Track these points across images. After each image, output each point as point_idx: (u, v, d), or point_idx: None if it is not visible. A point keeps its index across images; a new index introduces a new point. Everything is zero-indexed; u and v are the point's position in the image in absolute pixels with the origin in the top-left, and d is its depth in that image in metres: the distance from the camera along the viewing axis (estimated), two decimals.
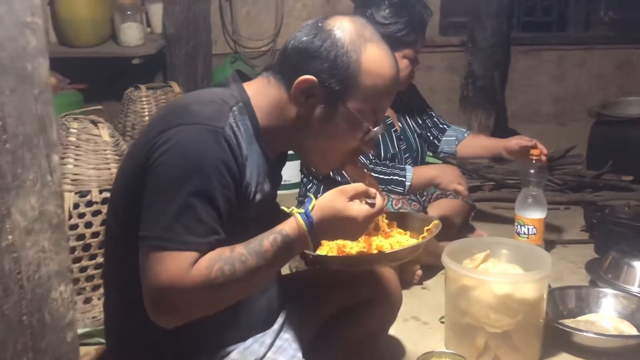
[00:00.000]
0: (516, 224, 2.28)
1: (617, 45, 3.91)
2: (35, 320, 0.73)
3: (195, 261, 1.02)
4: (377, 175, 2.10)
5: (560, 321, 1.76)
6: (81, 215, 1.85)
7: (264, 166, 1.18)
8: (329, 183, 2.02)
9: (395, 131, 2.27)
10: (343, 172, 2.01)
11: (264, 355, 1.23)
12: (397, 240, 1.35)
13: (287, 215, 1.13)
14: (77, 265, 1.85)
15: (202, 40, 3.45)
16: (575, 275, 2.24)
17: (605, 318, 1.80)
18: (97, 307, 1.86)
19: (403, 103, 2.35)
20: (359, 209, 1.12)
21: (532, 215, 2.25)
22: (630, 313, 1.80)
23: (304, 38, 1.16)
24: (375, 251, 1.30)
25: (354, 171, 1.29)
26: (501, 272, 1.66)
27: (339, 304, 1.44)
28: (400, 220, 1.42)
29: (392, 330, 1.65)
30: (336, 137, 1.18)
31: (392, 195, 2.10)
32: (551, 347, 1.71)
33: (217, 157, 1.05)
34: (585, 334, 1.68)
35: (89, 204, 1.86)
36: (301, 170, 2.34)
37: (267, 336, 1.26)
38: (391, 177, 2.11)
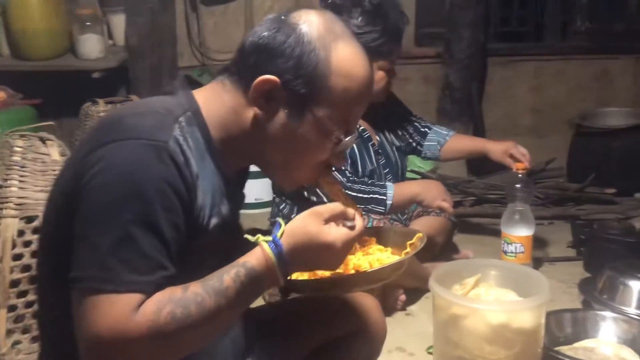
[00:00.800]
0: (503, 242, 2.15)
1: (595, 56, 3.86)
2: None
3: (140, 305, 0.84)
4: (355, 193, 1.95)
5: (557, 349, 1.62)
6: (27, 244, 1.66)
7: (220, 185, 1.01)
8: (304, 203, 1.85)
9: (373, 145, 2.12)
10: (318, 191, 1.85)
11: None
12: (377, 257, 1.17)
13: (253, 245, 0.96)
14: (22, 300, 1.65)
15: (167, 53, 3.28)
16: (567, 295, 2.11)
17: (604, 344, 1.67)
18: None
19: (380, 115, 2.21)
20: (336, 233, 0.96)
21: (519, 233, 2.13)
22: (631, 338, 1.68)
23: (265, 33, 0.99)
24: (352, 271, 1.12)
25: (327, 188, 1.12)
26: (495, 299, 1.51)
27: (316, 341, 1.28)
28: (379, 235, 1.26)
29: None
30: (302, 148, 1.02)
31: (372, 215, 1.95)
32: None
33: (160, 177, 0.88)
34: None
35: (36, 230, 1.66)
36: (273, 188, 2.17)
37: None
38: (371, 195, 1.96)
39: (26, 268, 1.66)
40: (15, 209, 1.66)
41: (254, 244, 0.96)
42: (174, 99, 1.00)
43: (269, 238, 0.95)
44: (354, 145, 2.05)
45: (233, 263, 0.92)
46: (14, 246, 1.64)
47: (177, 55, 3.37)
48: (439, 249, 2.29)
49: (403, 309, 2.02)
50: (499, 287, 1.59)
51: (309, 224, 0.95)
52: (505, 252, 2.14)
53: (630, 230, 2.25)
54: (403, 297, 2.01)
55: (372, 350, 1.36)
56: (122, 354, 0.84)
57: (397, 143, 2.23)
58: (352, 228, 0.99)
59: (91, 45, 3.05)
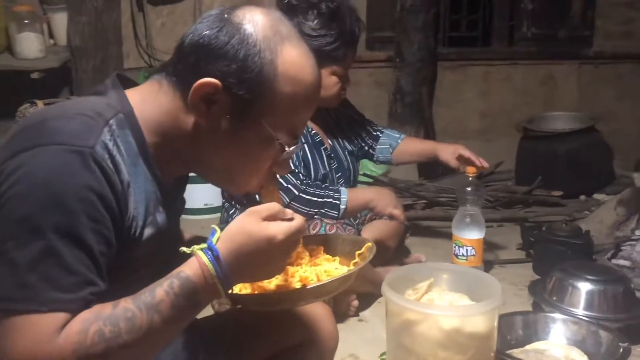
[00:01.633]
0: (454, 245, 2.15)
1: (540, 61, 3.95)
2: None
3: (65, 325, 0.77)
4: (309, 197, 1.91)
5: (509, 352, 1.63)
6: None
7: (155, 192, 0.94)
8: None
9: (326, 149, 2.09)
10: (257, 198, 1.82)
11: None
12: (325, 269, 1.12)
13: (191, 256, 0.89)
14: None
15: (112, 53, 3.18)
16: (517, 297, 2.13)
17: (554, 346, 1.68)
18: None
19: (332, 119, 2.18)
20: (276, 226, 0.89)
21: (470, 236, 2.13)
22: (580, 339, 1.69)
23: (206, 32, 0.91)
24: (298, 284, 1.06)
25: (268, 197, 1.05)
26: (448, 304, 1.50)
27: (266, 352, 1.23)
28: (327, 244, 1.21)
29: None
30: (245, 155, 0.96)
31: (325, 220, 1.92)
32: None
33: (85, 186, 0.81)
34: None
35: None
36: (222, 194, 2.11)
37: None
38: (325, 199, 1.93)
39: None
40: None
41: (190, 256, 0.89)
42: (105, 99, 0.93)
43: (204, 245, 0.88)
44: (306, 149, 2.01)
45: (168, 275, 0.86)
46: None
47: (123, 56, 3.26)
48: (391, 253, 2.28)
49: (355, 314, 1.99)
50: (451, 291, 1.58)
51: (246, 223, 0.89)
52: (457, 255, 2.14)
53: (577, 232, 2.29)
54: (355, 302, 1.98)
55: (323, 358, 1.31)
56: None
57: (350, 147, 2.20)
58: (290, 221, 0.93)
59: (30, 45, 2.92)
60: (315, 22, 1.91)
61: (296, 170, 1.94)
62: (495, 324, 1.48)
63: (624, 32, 4.00)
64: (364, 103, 3.67)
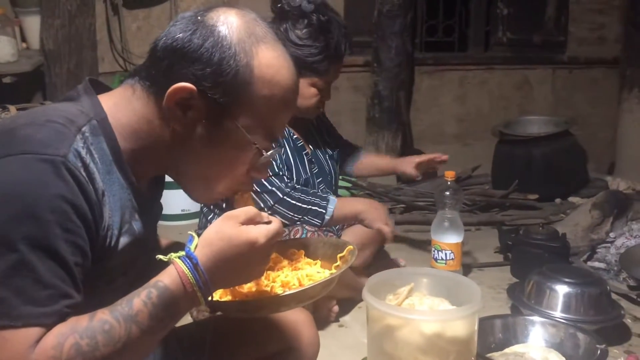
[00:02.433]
0: (433, 249, 2.16)
1: (516, 66, 4.00)
2: None
3: (39, 340, 0.75)
4: (294, 202, 1.89)
5: (489, 355, 1.63)
6: None
7: (131, 200, 0.92)
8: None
9: (307, 154, 2.08)
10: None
11: None
12: (307, 273, 1.10)
13: (168, 264, 0.87)
14: None
15: (87, 58, 3.11)
16: (496, 301, 2.14)
17: (533, 349, 1.69)
18: None
19: (313, 124, 2.17)
20: (256, 229, 0.88)
21: (449, 240, 2.14)
22: (558, 342, 1.71)
23: (180, 35, 0.89)
24: (280, 289, 1.05)
25: (241, 203, 1.01)
26: (429, 309, 1.50)
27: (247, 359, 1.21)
28: (308, 247, 1.19)
29: None
30: (221, 161, 0.94)
31: (306, 227, 1.90)
32: None
33: (58, 195, 0.78)
34: None
35: None
36: None
37: None
38: (310, 206, 1.91)
39: None
40: None
41: (168, 263, 0.86)
42: (77, 105, 0.90)
43: (182, 253, 0.86)
44: (289, 153, 2.00)
45: (145, 284, 0.84)
46: None
47: (98, 60, 3.21)
48: (371, 258, 2.27)
49: (336, 320, 1.98)
50: (431, 295, 1.58)
51: (225, 228, 0.87)
52: (436, 259, 2.15)
53: (554, 235, 2.31)
54: (336, 308, 1.97)
55: None
56: None
57: (330, 152, 2.19)
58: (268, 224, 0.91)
59: (1, 48, 2.87)
60: (304, 31, 1.90)
61: (280, 173, 1.93)
62: (476, 327, 1.48)
63: (597, 37, 4.08)
64: (342, 108, 3.68)
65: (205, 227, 1.99)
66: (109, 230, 0.86)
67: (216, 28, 0.89)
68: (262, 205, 1.90)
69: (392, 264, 2.38)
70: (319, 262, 1.16)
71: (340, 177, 2.42)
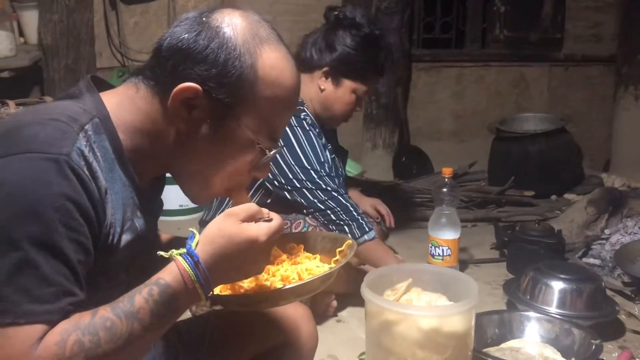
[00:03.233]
0: (430, 245, 2.17)
1: (512, 63, 4.01)
2: None
3: (42, 337, 0.76)
4: (347, 203, 1.96)
5: (485, 350, 1.65)
6: None
7: (133, 197, 0.93)
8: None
9: (334, 159, 2.14)
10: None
11: None
12: (306, 267, 1.11)
13: (169, 261, 0.88)
14: None
15: (85, 53, 3.12)
16: (492, 297, 2.16)
17: (529, 344, 1.71)
18: None
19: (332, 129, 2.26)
20: (257, 227, 0.89)
21: (446, 236, 2.15)
22: (554, 337, 1.72)
23: (185, 35, 0.90)
24: (279, 283, 1.06)
25: (240, 201, 1.02)
26: (427, 304, 1.51)
27: (245, 354, 1.22)
28: (307, 241, 1.20)
29: None
30: (224, 160, 0.95)
31: (308, 220, 1.92)
32: None
33: (61, 194, 0.79)
34: None
35: None
36: None
37: None
38: (359, 217, 1.97)
39: None
40: None
41: (169, 260, 0.87)
42: (80, 103, 0.90)
43: (183, 250, 0.87)
44: (327, 154, 2.07)
45: (147, 281, 0.84)
46: None
47: (95, 55, 3.21)
48: None
49: (334, 315, 2.00)
50: (429, 291, 1.59)
51: (226, 226, 0.88)
52: (433, 255, 2.16)
53: (550, 232, 2.33)
54: (334, 303, 1.99)
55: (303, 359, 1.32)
56: None
57: (341, 154, 2.26)
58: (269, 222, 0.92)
59: None
60: (356, 39, 2.03)
61: (332, 174, 2.02)
62: (473, 323, 1.50)
63: (593, 35, 4.09)
64: None
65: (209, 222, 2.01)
66: (112, 228, 0.87)
67: (221, 29, 0.90)
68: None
69: None
70: (318, 256, 1.17)
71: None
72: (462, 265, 2.35)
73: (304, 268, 1.11)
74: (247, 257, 0.89)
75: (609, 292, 2.04)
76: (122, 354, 0.81)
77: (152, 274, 0.86)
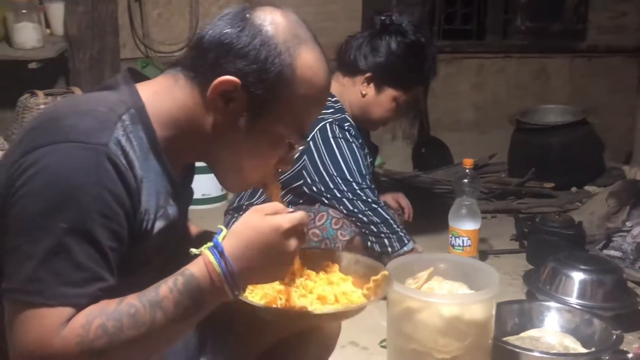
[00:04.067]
0: (450, 235, 2.20)
1: (534, 54, 3.98)
2: None
3: (70, 319, 0.79)
4: (387, 216, 2.00)
5: (505, 339, 1.67)
6: None
7: (166, 186, 0.96)
8: None
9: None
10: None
11: None
12: (342, 291, 1.12)
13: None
14: None
15: (109, 44, 3.17)
16: (512, 287, 2.17)
17: (549, 333, 1.73)
18: None
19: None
20: (280, 217, 0.91)
21: (466, 227, 2.17)
22: (574, 327, 1.74)
23: (228, 30, 0.94)
24: (317, 302, 1.09)
25: (272, 191, 1.08)
26: (448, 293, 1.54)
27: (272, 339, 1.25)
28: (341, 262, 1.21)
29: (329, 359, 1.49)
30: (255, 151, 0.99)
31: (331, 213, 1.95)
32: None
33: (98, 183, 0.82)
34: (533, 353, 1.59)
35: None
36: None
37: None
38: (399, 230, 2.03)
39: None
40: None
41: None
42: (117, 94, 0.94)
43: (210, 244, 0.89)
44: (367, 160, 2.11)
45: (175, 273, 0.87)
46: None
47: (119, 46, 3.26)
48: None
49: None
50: (450, 280, 1.62)
51: (251, 219, 0.91)
52: (453, 246, 2.18)
53: (570, 223, 2.34)
54: None
55: (327, 347, 1.34)
56: None
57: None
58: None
59: (27, 34, 2.90)
60: (400, 46, 2.04)
61: (372, 186, 2.05)
62: (494, 311, 1.53)
63: (617, 26, 4.04)
64: None
65: (238, 210, 2.05)
66: (146, 215, 0.91)
67: (264, 27, 0.94)
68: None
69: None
70: (350, 278, 1.17)
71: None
72: (482, 256, 2.36)
73: (340, 291, 1.12)
74: (272, 246, 0.90)
75: (629, 284, 2.05)
76: (144, 342, 0.83)
77: (183, 259, 0.90)
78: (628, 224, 2.58)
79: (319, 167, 1.95)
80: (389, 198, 2.36)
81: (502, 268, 2.33)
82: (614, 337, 1.62)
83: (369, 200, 1.98)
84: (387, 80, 2.06)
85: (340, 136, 1.99)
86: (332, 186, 1.97)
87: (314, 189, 1.99)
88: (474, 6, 4.03)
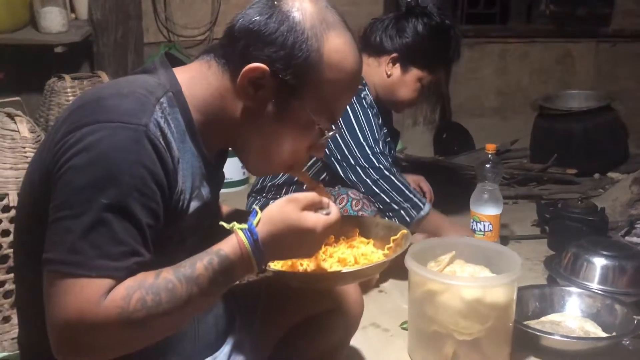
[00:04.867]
0: (472, 220, 2.20)
1: (558, 39, 3.94)
2: None
3: (110, 290, 0.83)
4: (399, 183, 2.00)
5: (526, 322, 1.68)
6: None
7: (201, 167, 1.00)
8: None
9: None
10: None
11: None
12: (362, 252, 1.17)
13: (229, 232, 0.95)
14: None
15: (133, 28, 3.20)
16: (532, 272, 2.17)
17: (570, 318, 1.74)
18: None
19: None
20: (315, 218, 0.95)
21: (488, 212, 2.17)
22: (595, 312, 1.74)
23: (257, 17, 0.96)
24: (337, 264, 1.13)
25: (302, 177, 1.12)
26: (470, 276, 1.55)
27: (296, 318, 1.28)
28: (362, 226, 1.26)
29: (351, 340, 1.52)
30: (284, 137, 1.01)
31: (351, 195, 1.97)
32: (519, 351, 1.62)
33: (138, 162, 0.86)
34: (554, 337, 1.60)
35: (6, 209, 1.62)
36: None
37: None
38: (412, 196, 2.02)
39: None
40: None
41: (229, 231, 0.94)
42: (155, 78, 0.97)
43: (244, 226, 0.93)
44: (382, 134, 2.11)
45: (208, 250, 0.91)
46: None
47: (143, 31, 3.29)
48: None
49: (376, 286, 2.05)
50: (472, 263, 1.63)
51: (287, 211, 0.94)
52: (474, 231, 2.19)
53: (592, 210, 2.32)
54: (377, 275, 2.04)
55: (349, 326, 1.37)
56: (90, 340, 0.82)
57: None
58: (328, 215, 0.99)
59: (53, 19, 2.95)
60: (426, 27, 2.07)
61: (386, 152, 2.05)
62: (515, 295, 1.54)
63: None
64: None
65: (261, 192, 2.08)
66: (182, 194, 0.94)
67: (291, 14, 0.96)
68: (341, 176, 2.02)
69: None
70: (371, 241, 1.22)
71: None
72: (503, 241, 2.36)
73: (360, 253, 1.17)
74: (300, 244, 0.96)
75: None
76: (180, 314, 0.88)
77: (215, 239, 0.93)
78: None
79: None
80: (410, 181, 2.37)
81: (523, 254, 2.32)
82: (635, 322, 1.62)
83: (381, 166, 1.99)
84: (413, 60, 2.07)
85: (356, 102, 2.02)
86: (346, 152, 1.99)
87: (332, 158, 2.02)
88: None
